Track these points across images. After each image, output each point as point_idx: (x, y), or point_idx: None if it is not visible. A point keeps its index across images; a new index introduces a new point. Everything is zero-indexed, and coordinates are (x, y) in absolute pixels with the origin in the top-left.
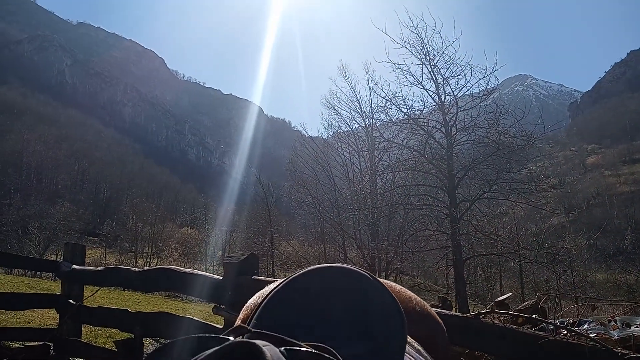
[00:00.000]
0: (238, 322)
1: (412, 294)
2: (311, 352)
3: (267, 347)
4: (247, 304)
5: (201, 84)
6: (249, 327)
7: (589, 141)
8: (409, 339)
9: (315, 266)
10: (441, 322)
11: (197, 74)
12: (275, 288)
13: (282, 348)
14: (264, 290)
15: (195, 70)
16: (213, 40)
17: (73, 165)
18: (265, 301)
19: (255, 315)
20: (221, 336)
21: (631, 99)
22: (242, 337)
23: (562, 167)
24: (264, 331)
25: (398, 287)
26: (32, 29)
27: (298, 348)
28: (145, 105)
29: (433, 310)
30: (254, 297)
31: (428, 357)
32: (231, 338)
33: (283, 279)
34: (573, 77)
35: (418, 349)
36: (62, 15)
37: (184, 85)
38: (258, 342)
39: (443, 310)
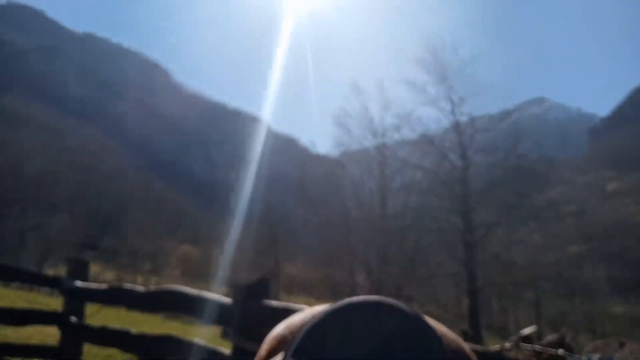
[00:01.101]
0: (263, 353)
1: (446, 329)
2: None
3: None
4: (272, 335)
5: (207, 97)
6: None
7: (609, 167)
8: None
9: (356, 299)
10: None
11: (204, 86)
12: (312, 320)
13: None
14: (290, 321)
15: (201, 83)
16: (221, 54)
17: (74, 177)
18: (304, 334)
19: (293, 350)
20: None
21: None
22: None
23: (581, 193)
24: None
25: (433, 321)
26: (40, 39)
27: None
28: (149, 117)
29: (467, 346)
30: (280, 327)
31: None
32: None
33: (319, 311)
34: (592, 101)
35: None
36: (69, 25)
37: (190, 98)
38: None
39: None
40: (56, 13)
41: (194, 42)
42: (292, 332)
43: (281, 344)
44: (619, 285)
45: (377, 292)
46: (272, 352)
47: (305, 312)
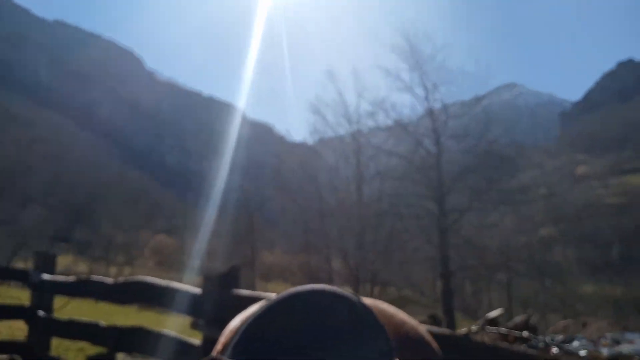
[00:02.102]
0: (219, 346)
1: (406, 317)
2: None
3: None
4: (229, 327)
5: (182, 85)
6: (224, 358)
7: (579, 151)
8: None
9: (297, 288)
10: (437, 347)
11: (178, 74)
12: (255, 313)
13: None
14: (245, 313)
15: (175, 71)
16: (195, 41)
17: (46, 169)
18: (244, 328)
19: (234, 343)
20: None
21: (620, 110)
22: None
23: (551, 177)
24: None
25: (391, 309)
26: (8, 26)
27: None
28: (123, 106)
29: (427, 333)
30: (236, 319)
31: None
32: None
33: (264, 303)
34: (563, 87)
35: None
36: (39, 13)
37: (164, 86)
38: None
39: (432, 327)
40: (25, 1)
41: (168, 29)
42: (243, 324)
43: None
44: (589, 266)
45: (353, 278)
46: (228, 344)
47: (262, 303)
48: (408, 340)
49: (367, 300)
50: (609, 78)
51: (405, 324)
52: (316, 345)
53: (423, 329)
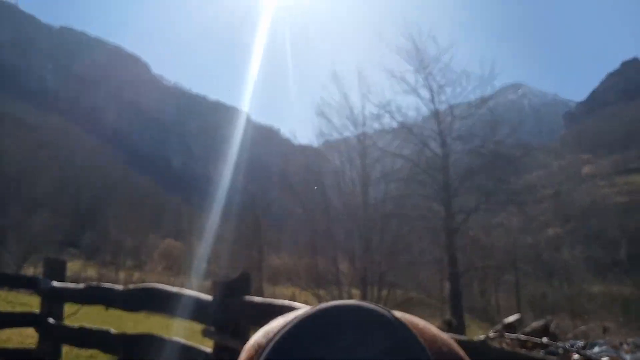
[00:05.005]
0: None
1: (436, 330)
2: None
3: None
4: (251, 342)
5: (187, 89)
6: None
7: (584, 151)
8: None
9: (328, 304)
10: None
11: (183, 79)
12: (284, 329)
13: None
14: (269, 327)
15: (181, 76)
16: (200, 45)
17: (53, 173)
18: (273, 345)
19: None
20: None
21: (625, 109)
22: None
23: (557, 177)
24: None
25: (422, 323)
26: (13, 32)
27: None
28: (128, 111)
29: (457, 345)
30: (259, 334)
31: None
32: None
33: (293, 318)
34: (568, 87)
35: None
36: (44, 19)
37: (170, 91)
38: None
39: (453, 335)
40: (31, 6)
41: (173, 34)
42: (270, 340)
43: (258, 352)
44: (596, 265)
45: (361, 280)
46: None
47: (285, 317)
48: (442, 355)
49: (398, 314)
50: (614, 77)
51: (437, 339)
52: None
53: (453, 342)
